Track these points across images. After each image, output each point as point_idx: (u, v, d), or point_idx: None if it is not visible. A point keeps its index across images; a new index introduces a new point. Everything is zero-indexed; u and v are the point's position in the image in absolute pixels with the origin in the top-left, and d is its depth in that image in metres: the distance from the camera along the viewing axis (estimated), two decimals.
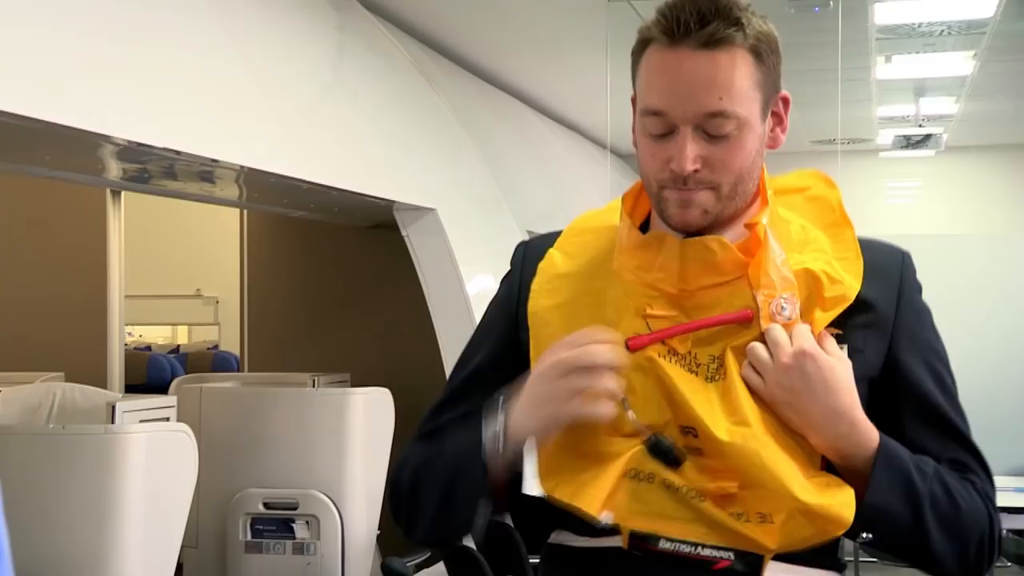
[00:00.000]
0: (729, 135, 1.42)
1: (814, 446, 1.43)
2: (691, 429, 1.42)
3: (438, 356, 4.53)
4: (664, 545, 1.42)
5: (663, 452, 1.42)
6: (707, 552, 1.41)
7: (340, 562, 4.47)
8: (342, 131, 4.39)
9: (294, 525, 4.50)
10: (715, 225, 1.48)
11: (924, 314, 1.55)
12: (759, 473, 1.39)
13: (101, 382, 5.34)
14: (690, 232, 1.48)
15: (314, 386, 5.13)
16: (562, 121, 9.00)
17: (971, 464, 1.51)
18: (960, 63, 7.90)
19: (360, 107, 4.65)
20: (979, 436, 1.53)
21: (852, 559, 6.00)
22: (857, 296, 1.47)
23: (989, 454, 1.53)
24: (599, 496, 1.43)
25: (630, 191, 1.56)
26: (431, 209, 4.70)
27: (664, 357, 1.45)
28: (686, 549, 1.41)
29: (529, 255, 1.62)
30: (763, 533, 1.40)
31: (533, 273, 1.58)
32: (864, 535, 1.44)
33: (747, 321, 1.44)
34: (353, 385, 5.26)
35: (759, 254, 1.45)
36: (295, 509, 4.50)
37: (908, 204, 12.43)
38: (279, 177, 3.80)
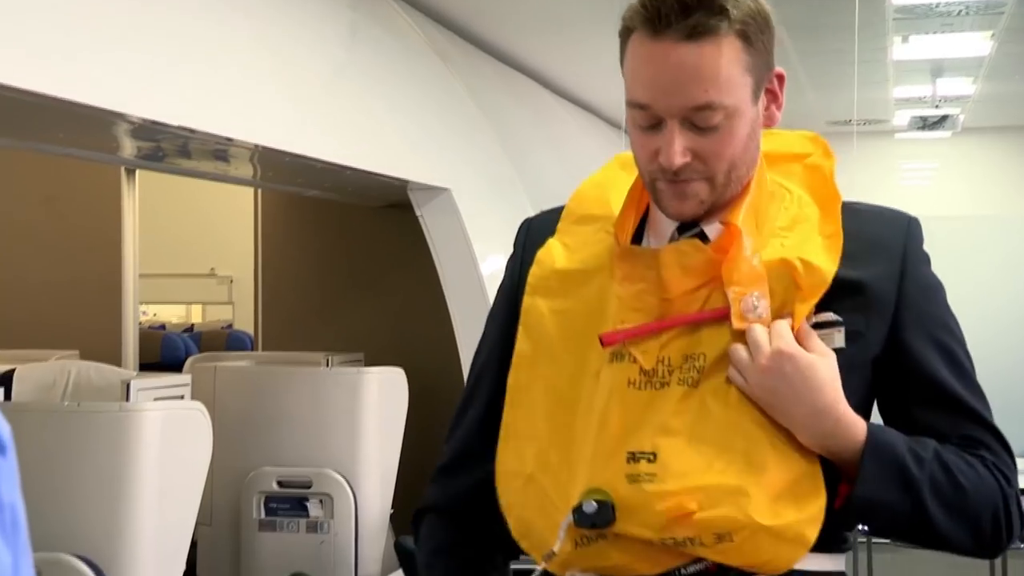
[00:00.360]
0: (718, 126, 1.39)
1: (803, 444, 1.40)
2: (647, 454, 1.40)
3: (452, 336, 4.53)
4: None
5: (591, 523, 1.40)
6: (692, 569, 1.41)
7: (354, 540, 4.48)
8: (357, 110, 4.39)
9: (308, 503, 4.51)
10: (712, 212, 1.46)
11: (932, 288, 1.51)
12: (721, 493, 1.38)
13: (116, 361, 5.36)
14: (686, 220, 1.47)
15: (328, 365, 5.14)
16: (577, 102, 8.97)
17: (985, 439, 1.47)
18: (978, 43, 7.85)
19: (374, 86, 4.64)
20: (998, 418, 1.50)
21: (864, 540, 6.00)
22: (854, 277, 1.45)
23: (1008, 437, 1.50)
24: (548, 545, 1.44)
25: (631, 191, 1.53)
26: (445, 189, 4.69)
27: (634, 384, 1.43)
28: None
29: (532, 235, 1.61)
30: (720, 554, 1.38)
31: (535, 255, 1.57)
32: (862, 527, 1.43)
33: (721, 318, 1.42)
34: (367, 364, 5.27)
35: (731, 251, 1.43)
36: (309, 488, 4.51)
37: (924, 186, 12.38)
38: (293, 156, 3.80)
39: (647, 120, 1.41)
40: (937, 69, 8.86)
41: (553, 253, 1.55)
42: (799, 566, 1.41)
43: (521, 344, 1.53)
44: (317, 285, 6.31)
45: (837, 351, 1.43)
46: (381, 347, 5.64)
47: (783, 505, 1.38)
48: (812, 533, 1.38)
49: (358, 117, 4.38)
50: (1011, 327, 6.49)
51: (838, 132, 10.49)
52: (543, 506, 1.46)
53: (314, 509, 4.50)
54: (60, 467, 3.19)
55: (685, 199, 1.43)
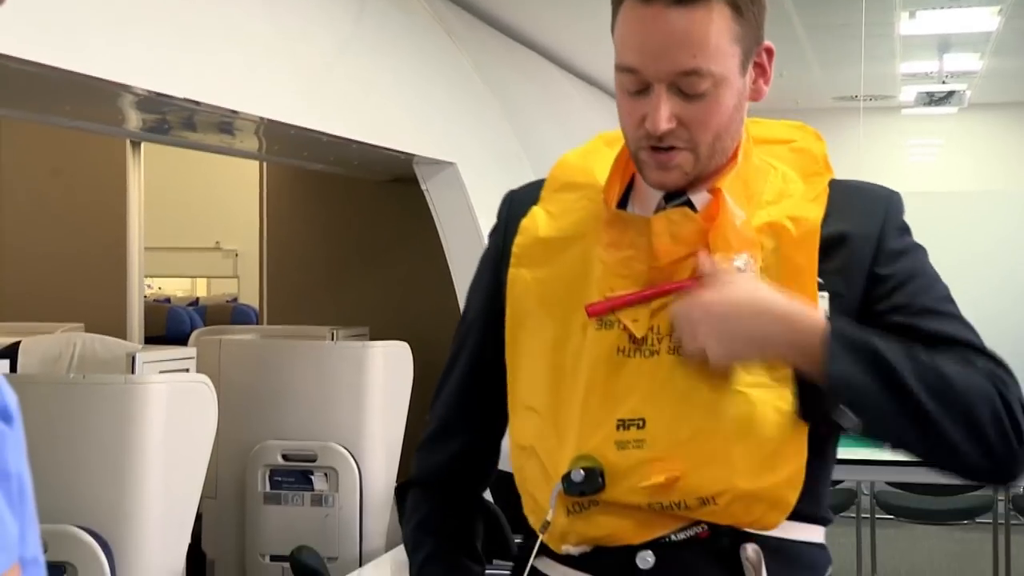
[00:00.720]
0: (705, 93, 1.40)
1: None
2: (636, 421, 1.41)
3: (456, 310, 4.52)
4: (647, 560, 1.42)
5: (580, 491, 1.41)
6: (682, 536, 1.42)
7: (358, 514, 4.50)
8: (363, 84, 4.38)
9: (312, 477, 4.52)
10: (695, 183, 1.46)
11: (910, 251, 1.50)
12: (705, 459, 1.39)
13: (121, 334, 5.37)
14: (668, 191, 1.47)
15: (333, 339, 5.15)
16: (583, 76, 8.95)
17: (972, 353, 1.42)
18: (985, 19, 7.82)
19: (381, 60, 4.63)
20: None
21: (868, 516, 6.02)
22: (834, 239, 1.45)
23: None
24: (543, 515, 1.45)
25: (617, 160, 1.53)
26: (451, 163, 4.69)
27: (623, 351, 1.43)
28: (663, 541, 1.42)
29: (515, 207, 1.61)
30: (706, 515, 1.40)
31: (518, 226, 1.57)
32: (850, 418, 1.37)
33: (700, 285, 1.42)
34: (372, 339, 5.28)
35: (718, 218, 1.43)
36: (314, 461, 4.53)
37: (930, 161, 12.35)
38: (299, 129, 3.80)
39: (635, 85, 1.42)
40: (944, 44, 8.82)
41: (537, 221, 1.56)
42: (782, 534, 1.43)
43: (510, 316, 1.54)
44: (322, 259, 6.32)
45: None
46: (386, 321, 5.65)
47: (765, 469, 1.39)
48: (792, 496, 1.40)
49: (364, 91, 4.38)
50: (1016, 300, 6.50)
51: (844, 107, 10.45)
52: (541, 478, 1.47)
53: (319, 482, 4.52)
54: (66, 439, 3.21)
55: (668, 170, 1.44)
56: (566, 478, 1.41)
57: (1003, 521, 5.87)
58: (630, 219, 1.49)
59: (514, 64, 7.08)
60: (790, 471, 1.40)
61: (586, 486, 1.41)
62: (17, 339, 4.23)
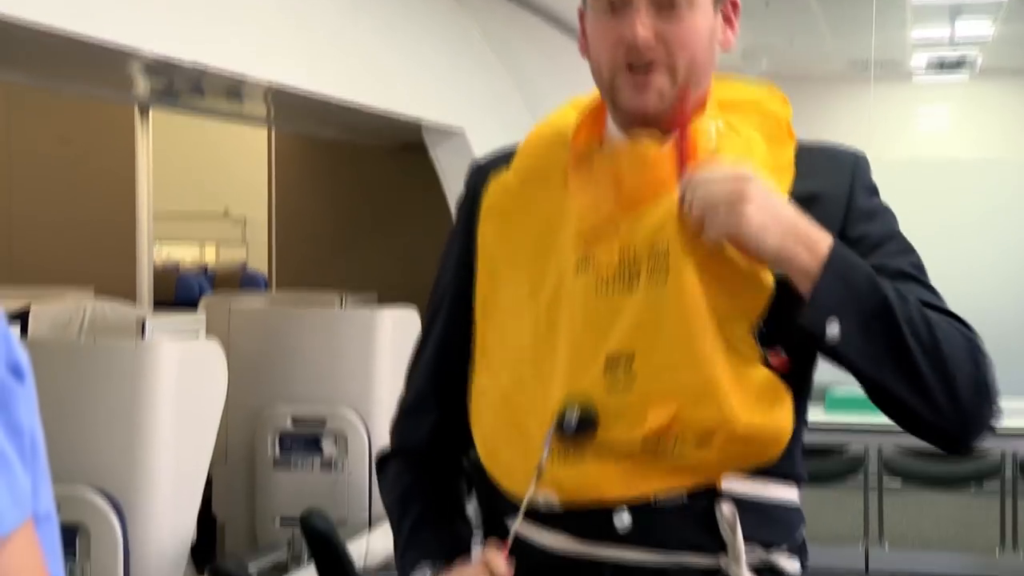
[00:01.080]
0: (680, 8, 1.41)
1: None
2: (625, 355, 1.40)
3: None
4: (624, 520, 1.41)
5: (575, 430, 1.40)
6: (665, 501, 1.41)
7: (368, 478, 4.52)
8: (370, 50, 4.37)
9: (322, 441, 4.54)
10: (668, 116, 1.45)
11: (881, 213, 1.50)
12: (700, 388, 1.37)
13: (131, 299, 5.38)
14: (647, 114, 1.45)
15: (342, 305, 5.16)
16: None
17: (950, 318, 1.43)
18: None
19: (388, 26, 4.62)
20: (999, 357, 1.46)
21: (876, 488, 6.03)
22: (803, 199, 1.44)
23: (1010, 377, 1.46)
24: (528, 476, 1.43)
25: (587, 111, 1.52)
26: (459, 130, 4.68)
27: (602, 291, 1.42)
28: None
29: (481, 177, 1.60)
30: (702, 460, 1.39)
31: (485, 193, 1.57)
32: (832, 334, 1.36)
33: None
34: (380, 304, 5.29)
35: (695, 158, 1.43)
36: (323, 426, 4.54)
37: (941, 129, 12.30)
38: (307, 94, 3.80)
39: None
40: (956, 10, 8.77)
41: (504, 179, 1.56)
42: (757, 494, 1.43)
43: (483, 271, 1.54)
44: (331, 225, 6.32)
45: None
46: (394, 286, 5.66)
47: (761, 401, 1.39)
48: (786, 434, 1.40)
49: (372, 56, 4.37)
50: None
51: (855, 75, 10.41)
52: (516, 426, 1.46)
53: (328, 447, 4.53)
54: (77, 403, 3.22)
55: (646, 91, 1.43)
56: (560, 420, 1.40)
57: (1010, 487, 5.89)
58: (596, 156, 1.48)
59: (523, 32, 7.05)
60: (784, 404, 1.40)
61: (580, 427, 1.39)
62: (27, 304, 4.24)
